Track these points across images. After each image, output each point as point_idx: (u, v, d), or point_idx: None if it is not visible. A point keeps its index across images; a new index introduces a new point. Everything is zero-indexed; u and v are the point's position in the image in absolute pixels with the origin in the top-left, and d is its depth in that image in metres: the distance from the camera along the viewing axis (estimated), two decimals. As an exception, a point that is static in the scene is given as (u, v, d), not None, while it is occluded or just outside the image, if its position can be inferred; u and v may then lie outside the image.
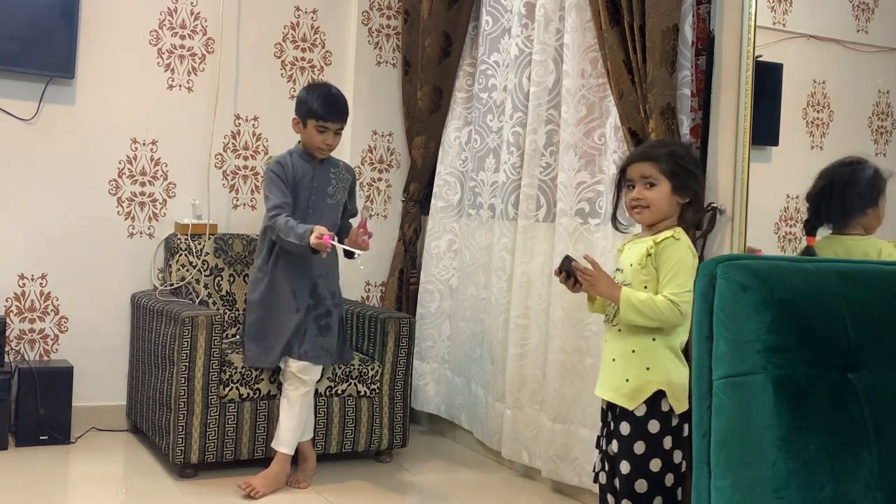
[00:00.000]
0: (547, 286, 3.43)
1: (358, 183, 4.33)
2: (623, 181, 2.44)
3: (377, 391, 3.62)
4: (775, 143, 2.87)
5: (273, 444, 3.32)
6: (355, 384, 3.57)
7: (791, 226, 2.86)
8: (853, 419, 1.28)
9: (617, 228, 2.52)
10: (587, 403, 3.20)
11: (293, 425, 3.28)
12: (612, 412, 2.40)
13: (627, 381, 2.33)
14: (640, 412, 2.31)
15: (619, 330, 2.37)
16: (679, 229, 2.36)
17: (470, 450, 3.95)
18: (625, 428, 2.33)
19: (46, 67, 3.75)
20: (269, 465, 3.27)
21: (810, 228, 2.52)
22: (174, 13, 4.03)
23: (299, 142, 3.39)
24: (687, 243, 2.34)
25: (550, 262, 3.41)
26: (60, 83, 3.83)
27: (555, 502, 3.34)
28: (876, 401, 1.30)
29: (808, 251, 2.49)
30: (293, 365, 3.30)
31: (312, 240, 3.04)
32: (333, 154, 3.44)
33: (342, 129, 3.34)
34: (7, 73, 3.72)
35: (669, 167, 2.34)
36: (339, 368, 3.53)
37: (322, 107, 3.26)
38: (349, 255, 3.28)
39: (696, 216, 2.47)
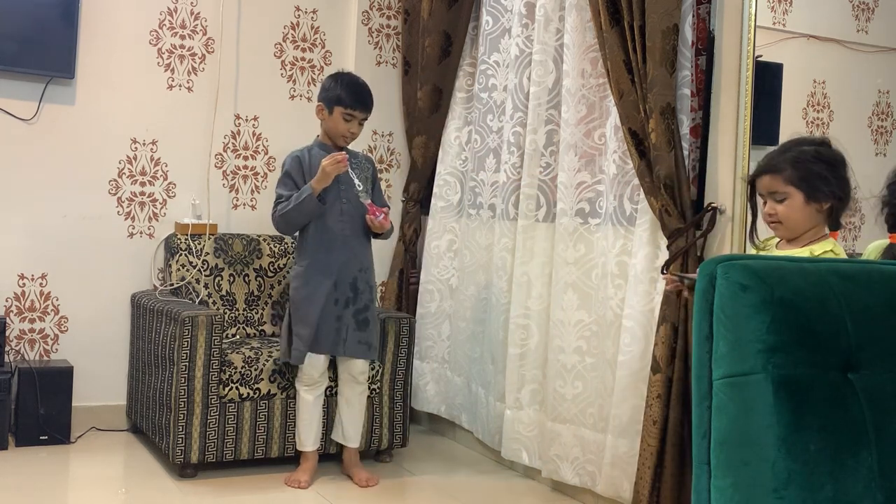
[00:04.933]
0: (547, 286, 3.43)
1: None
2: (754, 194, 2.28)
3: (377, 391, 3.62)
4: (775, 143, 2.87)
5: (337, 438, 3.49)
6: (355, 384, 3.57)
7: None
8: (853, 419, 1.28)
9: (755, 244, 2.33)
10: (587, 403, 3.20)
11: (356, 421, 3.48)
12: None
13: None
14: None
15: None
16: (836, 244, 2.18)
17: (470, 450, 3.95)
18: None
19: (46, 67, 3.75)
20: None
21: (893, 223, 2.23)
22: (174, 13, 4.03)
23: (318, 135, 3.44)
24: (844, 258, 2.17)
25: (550, 262, 3.41)
26: (60, 83, 3.83)
27: (555, 502, 3.34)
28: (876, 401, 1.30)
29: (893, 249, 2.37)
30: (345, 365, 3.40)
31: (327, 162, 3.15)
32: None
33: (366, 119, 3.40)
34: (7, 73, 3.72)
35: (796, 175, 2.15)
36: (339, 368, 3.53)
37: (350, 95, 3.33)
38: (376, 235, 3.43)
39: (838, 216, 2.23)
